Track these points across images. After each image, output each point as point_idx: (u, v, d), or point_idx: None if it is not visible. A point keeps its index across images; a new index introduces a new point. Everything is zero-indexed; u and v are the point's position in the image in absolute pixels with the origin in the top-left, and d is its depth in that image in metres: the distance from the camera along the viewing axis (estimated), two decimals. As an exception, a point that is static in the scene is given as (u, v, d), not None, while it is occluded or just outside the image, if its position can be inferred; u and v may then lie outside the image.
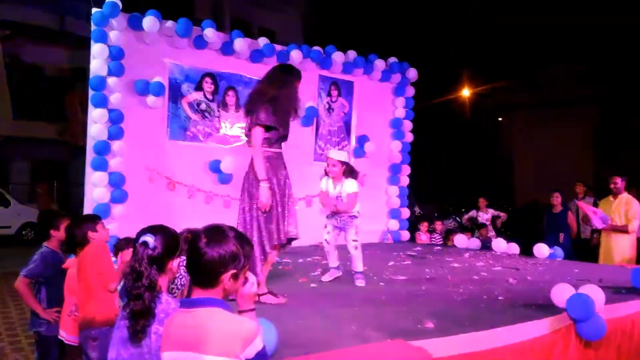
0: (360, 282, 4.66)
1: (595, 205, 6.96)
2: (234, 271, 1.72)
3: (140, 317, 1.91)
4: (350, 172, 4.66)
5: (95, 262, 3.16)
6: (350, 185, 4.61)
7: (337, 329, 3.12)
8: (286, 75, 4.06)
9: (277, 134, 3.94)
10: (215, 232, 1.75)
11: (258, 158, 3.87)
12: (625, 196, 6.38)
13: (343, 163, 4.63)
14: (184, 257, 1.94)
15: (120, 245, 3.47)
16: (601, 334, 3.52)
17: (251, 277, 1.79)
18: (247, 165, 4.03)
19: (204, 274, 1.71)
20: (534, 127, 18.37)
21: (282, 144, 4.08)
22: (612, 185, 6.44)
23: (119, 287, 3.15)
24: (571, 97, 18.56)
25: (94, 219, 3.51)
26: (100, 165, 6.02)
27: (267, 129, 3.87)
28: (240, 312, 1.75)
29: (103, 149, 6.03)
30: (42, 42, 18.21)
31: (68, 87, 18.03)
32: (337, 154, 4.69)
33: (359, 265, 4.71)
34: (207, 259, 1.70)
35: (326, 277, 4.82)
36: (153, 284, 1.96)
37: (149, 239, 2.02)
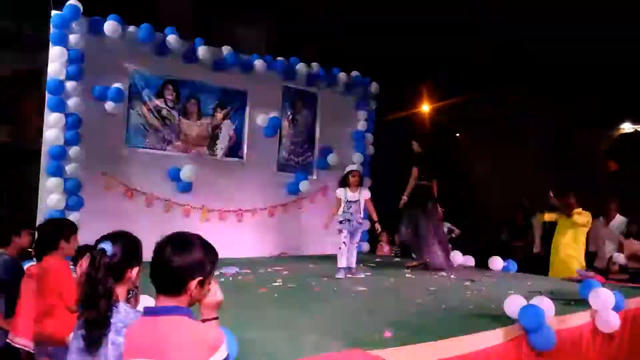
0: (361, 274, 6.04)
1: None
2: (200, 278, 1.71)
3: (95, 327, 1.87)
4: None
5: (57, 282, 3.04)
6: (367, 192, 6.09)
7: (297, 339, 3.12)
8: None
9: None
10: (182, 240, 1.73)
11: None
12: (577, 210, 6.74)
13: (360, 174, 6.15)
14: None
15: (77, 253, 3.35)
16: (551, 344, 3.64)
17: (215, 285, 1.78)
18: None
19: (170, 282, 1.69)
20: (490, 142, 18.90)
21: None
22: (568, 201, 6.76)
23: None
24: (525, 113, 19.25)
25: (73, 229, 3.27)
26: (56, 171, 5.85)
27: None
28: (203, 320, 1.74)
29: (59, 154, 5.87)
30: (-6, 44, 17.59)
31: (22, 91, 17.39)
32: (358, 167, 6.71)
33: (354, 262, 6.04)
34: (173, 267, 1.68)
35: (341, 275, 5.73)
36: (109, 293, 1.92)
37: (107, 246, 1.98)
